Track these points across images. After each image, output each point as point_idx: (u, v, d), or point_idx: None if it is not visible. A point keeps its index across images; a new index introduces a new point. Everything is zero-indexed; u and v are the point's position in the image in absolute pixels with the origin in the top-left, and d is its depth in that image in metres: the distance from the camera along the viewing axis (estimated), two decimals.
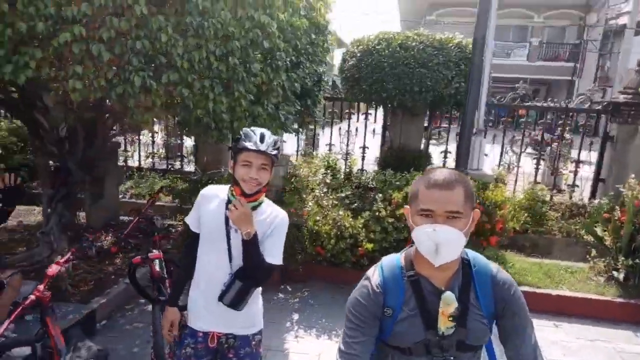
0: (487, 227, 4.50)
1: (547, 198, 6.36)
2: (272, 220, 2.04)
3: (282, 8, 3.63)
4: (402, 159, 6.46)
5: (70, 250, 2.69)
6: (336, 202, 5.07)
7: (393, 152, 6.79)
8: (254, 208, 2.00)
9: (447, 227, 1.26)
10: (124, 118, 3.44)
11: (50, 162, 4.89)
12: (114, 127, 4.93)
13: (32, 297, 2.35)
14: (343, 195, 5.01)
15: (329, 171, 5.71)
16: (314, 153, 7.11)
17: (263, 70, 3.66)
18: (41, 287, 2.43)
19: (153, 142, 7.91)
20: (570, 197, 6.54)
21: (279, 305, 4.47)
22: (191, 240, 2.15)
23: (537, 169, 6.67)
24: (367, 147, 7.10)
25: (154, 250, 3.30)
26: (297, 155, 7.37)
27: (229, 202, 1.99)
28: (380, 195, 4.85)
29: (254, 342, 2.14)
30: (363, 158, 7.03)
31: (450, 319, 1.32)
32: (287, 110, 4.21)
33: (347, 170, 6.48)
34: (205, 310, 2.07)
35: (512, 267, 4.97)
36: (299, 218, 4.72)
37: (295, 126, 4.42)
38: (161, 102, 3.23)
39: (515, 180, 6.80)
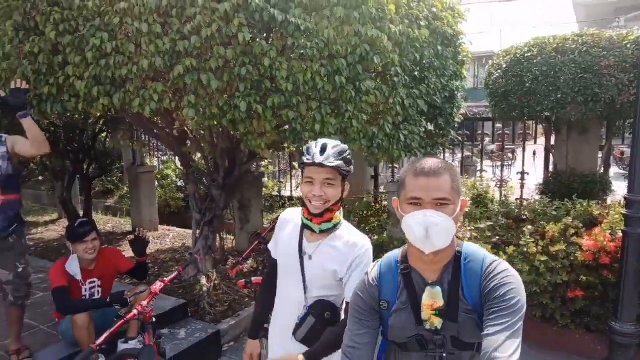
0: None
1: None
2: (350, 249, 1.76)
3: (397, 20, 3.38)
4: (570, 185, 5.40)
5: (178, 270, 2.80)
6: (475, 234, 4.42)
7: (558, 178, 5.73)
8: (328, 230, 1.79)
9: (438, 212, 1.25)
10: (244, 146, 3.57)
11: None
12: (253, 158, 5.23)
13: (135, 312, 2.48)
14: (483, 226, 4.35)
15: (469, 198, 5.06)
16: (462, 180, 6.47)
17: (377, 87, 3.43)
18: (144, 303, 2.55)
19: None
20: None
21: None
22: (271, 268, 2.01)
23: None
24: (527, 173, 6.21)
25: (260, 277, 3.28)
26: None
27: (303, 226, 1.82)
28: (531, 227, 4.06)
29: None
30: (522, 185, 6.15)
31: (434, 312, 1.32)
32: (409, 130, 3.86)
33: (502, 199, 5.69)
34: (281, 346, 1.92)
35: None
36: None
37: (421, 148, 4.01)
38: (271, 126, 3.26)
39: None
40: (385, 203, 5.09)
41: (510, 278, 1.26)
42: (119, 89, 3.13)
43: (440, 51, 3.97)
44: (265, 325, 2.26)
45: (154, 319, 2.61)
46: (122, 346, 2.97)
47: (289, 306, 1.88)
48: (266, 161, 8.63)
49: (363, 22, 3.16)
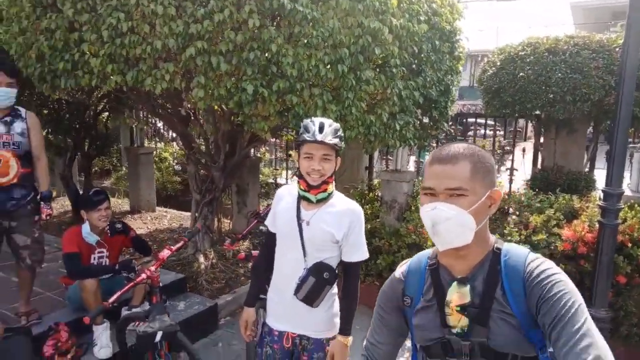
0: None
1: None
2: (344, 213, 1.99)
3: (398, 13, 3.56)
4: (555, 182, 5.64)
5: (182, 239, 2.98)
6: None
7: (545, 174, 5.97)
8: (324, 200, 1.99)
9: (450, 204, 1.11)
10: (247, 128, 3.73)
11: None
12: (253, 141, 5.39)
13: (144, 275, 2.65)
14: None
15: None
16: None
17: (376, 78, 3.61)
18: (153, 267, 2.72)
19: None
20: None
21: None
22: (268, 240, 2.19)
23: None
24: (516, 169, 6.43)
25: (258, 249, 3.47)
26: None
27: (299, 197, 2.01)
28: (515, 218, 4.29)
29: (327, 348, 2.07)
30: (511, 181, 6.37)
31: (458, 309, 1.16)
32: (405, 120, 4.05)
33: None
34: (282, 310, 2.08)
35: None
36: (418, 236, 4.45)
37: (415, 139, 4.20)
38: (275, 110, 3.43)
39: None
40: (378, 192, 5.28)
41: (549, 266, 1.12)
42: (132, 67, 3.27)
43: (438, 46, 4.15)
44: (262, 296, 2.44)
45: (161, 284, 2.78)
46: (125, 313, 3.15)
47: (289, 271, 2.03)
48: (263, 148, 8.80)
49: (366, 14, 3.34)
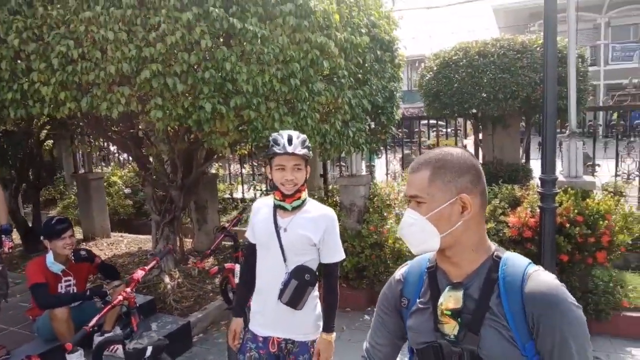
0: (591, 240, 3.99)
1: None
2: (319, 218, 2.13)
3: (341, 28, 3.78)
4: (497, 174, 6.08)
5: (155, 259, 3.01)
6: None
7: (486, 168, 6.42)
8: (299, 207, 2.12)
9: (410, 211, 1.17)
10: (207, 145, 3.82)
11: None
12: (210, 158, 5.44)
13: (120, 297, 2.67)
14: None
15: None
16: (404, 175, 7.02)
17: (327, 89, 3.81)
18: (128, 289, 2.75)
19: (253, 174, 8.49)
20: None
21: (364, 327, 4.40)
22: (249, 252, 2.29)
23: None
24: None
25: (231, 263, 3.55)
26: (386, 177, 7.36)
27: (275, 207, 2.14)
28: None
29: (312, 350, 2.16)
30: None
31: (449, 313, 1.14)
32: (357, 127, 4.28)
33: None
34: (264, 315, 2.16)
35: (634, 290, 4.33)
36: (379, 236, 4.68)
37: (367, 143, 4.45)
38: (233, 126, 3.54)
39: (639, 190, 5.97)
40: (336, 198, 5.48)
41: (552, 285, 1.10)
42: (86, 93, 3.28)
43: (380, 56, 4.43)
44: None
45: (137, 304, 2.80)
46: (101, 339, 3.13)
47: (271, 277, 2.13)
48: (217, 164, 8.79)
49: (312, 30, 3.53)
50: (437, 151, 1.20)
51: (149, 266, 2.91)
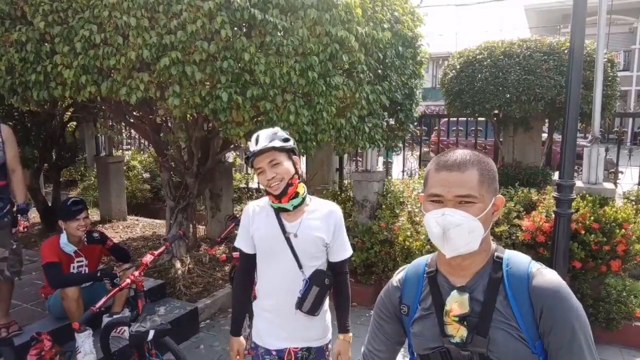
0: (606, 248, 3.90)
1: None
2: (327, 215, 1.99)
3: (363, 22, 3.75)
4: (515, 177, 5.98)
5: (165, 244, 3.06)
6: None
7: (505, 170, 6.31)
8: (300, 206, 1.95)
9: (459, 211, 1.11)
10: (223, 135, 3.84)
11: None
12: (226, 147, 5.48)
13: (128, 280, 2.72)
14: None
15: None
16: (420, 172, 6.96)
17: (345, 83, 3.78)
18: (137, 272, 2.80)
19: None
20: None
21: (369, 323, 4.40)
22: (246, 263, 2.08)
23: None
24: None
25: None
26: (402, 174, 7.30)
27: (276, 211, 1.96)
28: None
29: (327, 352, 2.11)
30: None
31: (456, 319, 1.13)
32: (374, 123, 4.25)
33: None
34: (280, 328, 2.01)
35: None
36: (389, 233, 4.66)
37: (383, 140, 4.41)
38: (249, 116, 3.55)
39: None
40: (350, 193, 5.46)
41: (557, 280, 1.12)
42: (106, 78, 3.33)
43: (401, 52, 4.37)
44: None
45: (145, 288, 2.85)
46: (108, 320, 3.20)
47: (284, 286, 1.96)
48: (234, 154, 8.85)
49: (333, 24, 3.51)
50: (470, 152, 1.18)
51: (159, 251, 2.95)
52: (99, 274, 3.06)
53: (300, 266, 1.94)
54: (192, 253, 5.46)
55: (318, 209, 2.00)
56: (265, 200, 2.01)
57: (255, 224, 1.99)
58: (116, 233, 6.48)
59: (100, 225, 6.78)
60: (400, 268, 1.37)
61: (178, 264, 5.01)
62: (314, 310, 1.94)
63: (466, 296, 1.14)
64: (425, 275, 1.25)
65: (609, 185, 4.37)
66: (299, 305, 1.92)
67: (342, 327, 2.09)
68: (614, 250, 3.85)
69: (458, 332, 1.14)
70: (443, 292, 1.19)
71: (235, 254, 3.48)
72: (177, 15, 3.16)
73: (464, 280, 1.18)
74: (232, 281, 4.05)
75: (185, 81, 3.25)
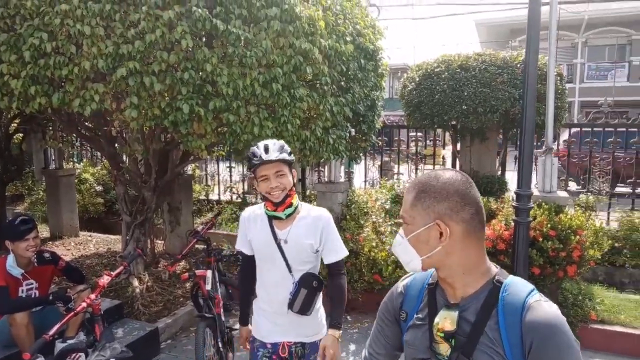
0: (562, 254, 4.06)
1: None
2: (315, 221, 2.12)
3: (326, 35, 3.75)
4: None
5: (123, 264, 2.90)
6: (395, 229, 4.93)
7: None
8: (292, 214, 2.10)
9: (400, 230, 1.19)
10: (184, 147, 3.72)
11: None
12: (185, 159, 5.32)
13: (84, 304, 2.56)
14: (401, 220, 4.86)
15: (389, 198, 5.59)
16: (381, 182, 7.03)
17: (309, 95, 3.76)
18: (93, 295, 2.63)
19: (230, 176, 8.36)
20: None
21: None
22: (247, 263, 2.27)
23: (633, 194, 5.94)
24: None
25: (203, 269, 3.45)
26: (364, 184, 7.35)
27: (270, 218, 2.11)
28: None
29: None
30: None
31: (442, 335, 1.13)
32: (338, 134, 4.25)
33: None
34: (274, 324, 2.17)
35: (602, 303, 4.42)
36: (355, 244, 4.65)
37: (347, 151, 4.42)
38: (211, 128, 3.46)
39: (609, 206, 6.12)
40: (314, 203, 5.43)
41: (555, 317, 1.07)
42: (58, 88, 3.15)
43: (363, 64, 4.42)
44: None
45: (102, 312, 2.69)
46: (62, 346, 2.99)
47: (277, 288, 2.13)
48: (193, 165, 8.63)
49: (297, 36, 3.49)
50: (429, 174, 1.19)
51: (116, 272, 2.81)
52: (51, 297, 2.87)
53: (290, 270, 2.10)
54: (151, 270, 5.25)
55: (307, 216, 2.14)
56: (260, 207, 2.17)
57: (252, 230, 2.16)
58: (68, 250, 6.14)
59: (51, 243, 6.40)
60: (408, 274, 1.37)
61: (136, 282, 4.79)
62: (304, 310, 2.08)
63: (455, 314, 1.13)
64: (427, 285, 1.27)
65: (562, 194, 4.57)
66: (290, 305, 2.08)
67: (332, 323, 2.17)
68: (570, 256, 4.01)
69: (444, 349, 1.14)
70: (439, 306, 1.20)
71: (199, 272, 3.36)
72: (134, 24, 3.04)
73: (458, 299, 1.17)
74: (194, 298, 3.89)
75: (144, 92, 3.13)
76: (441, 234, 1.12)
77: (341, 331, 2.18)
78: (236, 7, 3.23)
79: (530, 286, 1.13)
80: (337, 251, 2.17)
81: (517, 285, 1.13)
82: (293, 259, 2.09)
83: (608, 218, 5.96)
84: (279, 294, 2.11)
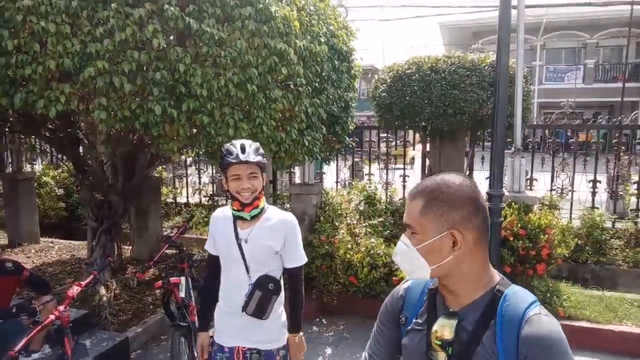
0: (532, 253, 4.18)
1: (608, 224, 5.90)
2: (278, 225, 2.10)
3: (300, 35, 3.71)
4: None
5: (92, 273, 2.77)
6: (370, 230, 4.95)
7: None
8: (257, 215, 2.09)
9: (405, 238, 1.13)
10: (155, 150, 3.60)
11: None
12: (154, 162, 5.16)
13: (52, 317, 2.42)
14: (376, 222, 4.88)
15: (362, 199, 5.61)
16: (353, 183, 7.05)
17: (284, 96, 3.72)
18: (61, 307, 2.50)
19: (199, 178, 8.18)
20: (635, 224, 5.98)
21: (312, 339, 4.32)
22: (212, 264, 2.24)
23: (594, 193, 6.19)
24: (408, 176, 6.99)
25: (176, 276, 3.35)
26: (336, 185, 7.34)
27: (235, 218, 2.10)
28: None
29: (278, 357, 2.17)
30: (404, 187, 6.90)
31: (438, 342, 1.12)
32: (312, 136, 4.22)
33: (388, 199, 6.37)
34: (229, 325, 2.14)
35: (568, 299, 4.57)
36: (330, 246, 4.64)
37: (321, 152, 4.40)
38: (184, 130, 3.36)
39: (571, 204, 6.35)
40: (287, 205, 5.39)
41: (552, 332, 1.05)
42: (20, 88, 2.98)
43: (337, 65, 4.41)
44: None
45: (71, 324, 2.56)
46: None
47: (234, 288, 2.11)
48: (160, 167, 8.40)
49: (272, 36, 3.44)
50: (436, 179, 1.14)
51: (86, 281, 2.68)
52: (14, 310, 2.69)
53: (248, 270, 2.07)
54: (118, 277, 5.06)
55: (272, 218, 2.12)
56: (229, 209, 2.14)
57: (218, 228, 2.15)
58: (28, 258, 5.84)
59: (9, 250, 6.08)
60: (407, 278, 1.35)
61: (103, 290, 4.59)
62: (258, 313, 2.06)
63: (454, 322, 1.12)
64: (428, 290, 1.25)
65: (531, 193, 4.71)
66: (244, 308, 2.05)
67: (292, 326, 2.20)
68: (539, 254, 4.13)
69: (440, 357, 1.14)
70: (438, 313, 1.18)
71: (173, 280, 3.26)
72: (103, 22, 2.91)
73: (458, 307, 1.15)
74: (165, 306, 3.77)
75: (113, 93, 3.00)
76: (454, 242, 1.09)
77: (301, 333, 2.23)
78: (210, 6, 3.15)
79: (532, 298, 1.11)
80: (299, 257, 2.17)
81: (518, 297, 1.11)
82: (252, 260, 2.07)
83: (570, 216, 6.18)
84: (236, 295, 2.09)
